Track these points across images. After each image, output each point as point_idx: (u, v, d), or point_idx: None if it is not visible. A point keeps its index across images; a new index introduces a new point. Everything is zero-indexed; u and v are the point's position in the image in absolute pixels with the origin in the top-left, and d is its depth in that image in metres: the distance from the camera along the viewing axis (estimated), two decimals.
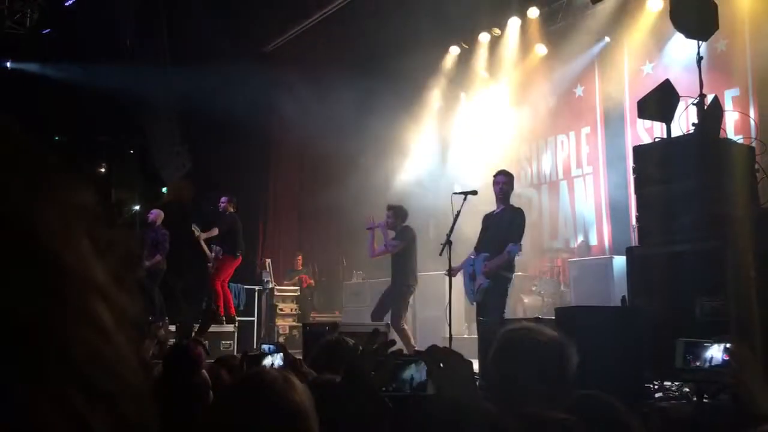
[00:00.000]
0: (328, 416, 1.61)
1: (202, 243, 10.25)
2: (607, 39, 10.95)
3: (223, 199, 9.89)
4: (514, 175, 11.80)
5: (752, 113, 8.87)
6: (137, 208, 10.57)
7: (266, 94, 12.40)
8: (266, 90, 12.33)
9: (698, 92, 5.56)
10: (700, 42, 5.61)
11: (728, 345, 2.72)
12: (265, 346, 4.21)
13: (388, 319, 8.36)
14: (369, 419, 1.78)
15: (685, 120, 6.06)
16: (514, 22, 11.93)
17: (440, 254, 6.82)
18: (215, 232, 10.01)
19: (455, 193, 7.03)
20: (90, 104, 11.98)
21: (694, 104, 5.57)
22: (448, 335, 6.82)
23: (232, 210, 9.91)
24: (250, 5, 11.92)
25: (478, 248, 7.13)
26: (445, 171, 12.81)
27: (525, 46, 11.98)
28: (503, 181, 7.10)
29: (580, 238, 11.23)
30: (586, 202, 11.31)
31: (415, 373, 2.17)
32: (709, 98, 5.58)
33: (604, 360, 4.33)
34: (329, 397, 1.72)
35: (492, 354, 2.20)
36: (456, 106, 13.26)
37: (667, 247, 5.02)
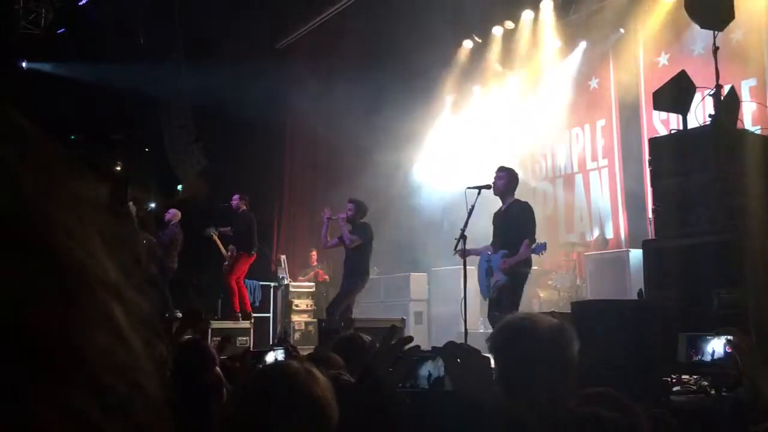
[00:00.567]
0: (346, 414, 1.61)
1: (218, 241, 10.32)
2: (621, 30, 10.85)
3: (235, 196, 9.92)
4: (529, 169, 11.88)
5: None
6: (153, 205, 10.63)
7: (279, 91, 12.41)
8: (280, 86, 12.35)
9: (714, 83, 5.50)
10: (716, 32, 5.54)
11: (729, 337, 2.69)
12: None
13: (395, 314, 8.40)
14: (387, 417, 1.78)
15: (701, 111, 6.00)
16: (527, 15, 11.87)
17: (455, 248, 6.79)
18: (228, 230, 10.08)
19: (469, 188, 6.99)
20: (105, 103, 12.06)
21: (710, 95, 5.51)
22: (463, 330, 6.79)
23: (245, 207, 9.94)
24: (263, 2, 11.93)
25: (496, 247, 7.11)
26: (458, 165, 12.77)
27: (539, 38, 11.91)
28: (497, 177, 7.07)
29: (596, 232, 11.16)
30: (602, 196, 11.23)
31: (433, 369, 2.17)
32: (726, 89, 5.51)
33: (620, 354, 4.30)
34: (345, 397, 1.72)
35: (490, 342, 2.19)
36: (470, 100, 13.20)
37: (683, 240, 4.97)
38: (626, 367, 4.22)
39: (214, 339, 9.01)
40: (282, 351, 4.77)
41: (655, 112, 9.30)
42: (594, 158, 11.45)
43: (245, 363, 4.64)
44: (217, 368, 3.20)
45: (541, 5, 11.63)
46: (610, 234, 10.99)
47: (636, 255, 8.22)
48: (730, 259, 4.65)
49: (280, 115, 13.29)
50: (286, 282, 11.85)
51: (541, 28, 11.84)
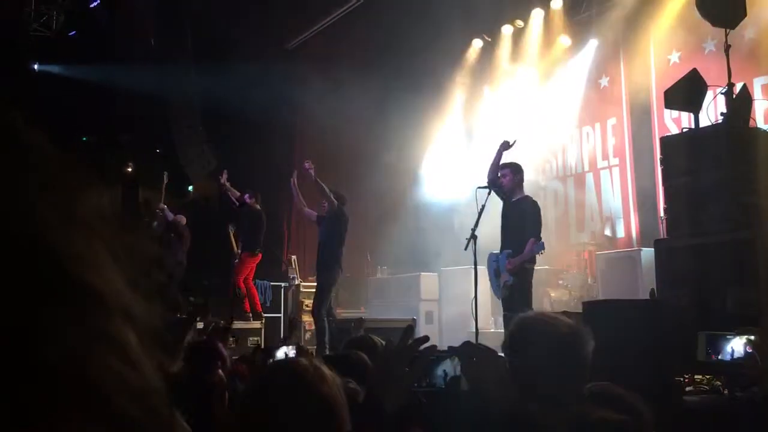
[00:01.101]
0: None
1: (233, 239, 10.37)
2: (632, 28, 10.79)
3: (246, 195, 9.93)
4: (540, 168, 11.84)
5: None
6: (165, 206, 10.65)
7: (289, 91, 12.43)
8: (289, 87, 12.36)
9: (726, 81, 5.46)
10: (728, 30, 5.50)
11: (751, 337, 2.67)
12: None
13: (406, 314, 8.38)
14: (402, 416, 1.78)
15: (713, 109, 5.96)
16: (537, 14, 11.83)
17: (465, 249, 6.78)
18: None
19: (479, 188, 6.99)
20: (115, 104, 12.12)
21: (722, 93, 5.48)
22: (474, 330, 6.79)
23: (257, 206, 9.95)
24: (272, 3, 11.96)
25: (503, 244, 7.11)
26: (469, 165, 12.76)
27: (549, 37, 11.88)
28: (502, 174, 7.06)
29: (608, 231, 11.11)
30: (613, 194, 11.17)
31: (449, 368, 2.17)
32: (738, 87, 5.48)
33: (632, 354, 4.28)
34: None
35: (505, 340, 2.18)
36: (480, 99, 13.18)
37: (696, 239, 4.94)
38: (638, 368, 4.20)
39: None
40: (293, 347, 4.78)
41: (667, 111, 9.24)
42: (605, 157, 11.40)
43: (256, 360, 4.66)
44: (220, 371, 3.20)
45: (551, 3, 11.60)
46: (621, 233, 10.94)
47: (648, 254, 8.17)
48: (743, 258, 4.62)
49: (290, 115, 13.31)
50: (296, 282, 11.87)
51: (551, 26, 11.80)
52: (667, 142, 5.59)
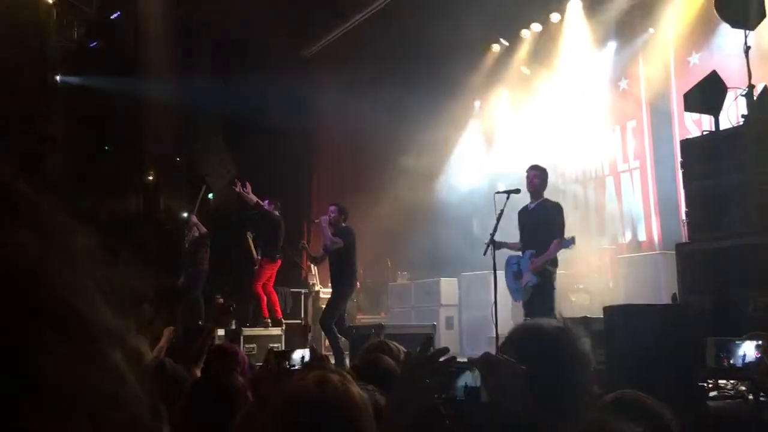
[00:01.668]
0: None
1: (252, 244, 10.44)
2: (651, 30, 10.72)
3: (267, 202, 9.98)
4: (559, 172, 11.79)
5: None
6: (185, 215, 10.76)
7: (308, 98, 12.50)
8: (308, 93, 12.44)
9: (747, 82, 5.41)
10: (747, 31, 5.45)
11: (760, 342, 2.65)
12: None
13: (426, 319, 8.36)
14: (423, 429, 1.78)
15: (734, 111, 5.90)
16: (555, 17, 11.80)
17: (484, 254, 6.77)
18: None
19: (498, 193, 6.98)
20: (137, 114, 12.26)
21: (742, 95, 5.42)
22: (494, 335, 6.76)
23: (277, 213, 10.00)
24: (291, 11, 12.04)
25: (524, 247, 7.09)
26: (488, 169, 12.74)
27: (567, 40, 11.83)
28: (533, 175, 7.08)
29: (629, 234, 11.02)
30: (634, 198, 11.09)
31: (470, 379, 2.17)
32: (759, 88, 5.42)
33: (655, 359, 4.25)
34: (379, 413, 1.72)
35: (501, 348, 2.18)
36: (498, 103, 13.15)
37: (717, 242, 4.90)
38: (660, 373, 4.16)
39: (246, 346, 9.12)
40: (308, 350, 4.78)
41: (687, 113, 9.16)
42: (625, 160, 11.32)
43: (271, 364, 4.66)
44: (239, 377, 3.21)
45: (569, 6, 11.56)
46: (642, 236, 10.85)
47: (670, 257, 8.09)
48: (764, 262, 4.57)
49: (309, 121, 13.38)
50: (316, 288, 11.91)
51: (569, 29, 11.76)
52: (687, 144, 5.54)
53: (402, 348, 3.22)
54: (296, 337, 9.95)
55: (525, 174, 7.22)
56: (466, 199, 12.36)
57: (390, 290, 12.66)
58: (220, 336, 9.61)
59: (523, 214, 7.18)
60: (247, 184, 9.77)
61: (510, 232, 7.33)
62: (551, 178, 11.51)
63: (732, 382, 4.54)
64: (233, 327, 10.12)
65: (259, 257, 10.14)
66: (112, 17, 12.20)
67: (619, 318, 4.69)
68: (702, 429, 3.98)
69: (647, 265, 9.38)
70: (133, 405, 0.44)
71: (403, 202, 12.32)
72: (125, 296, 0.49)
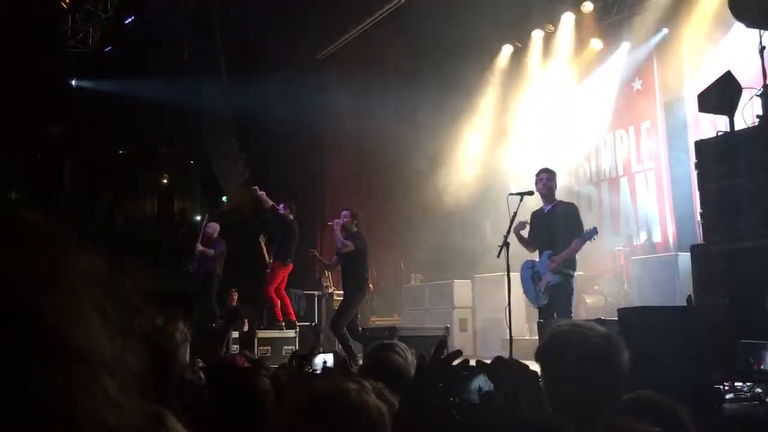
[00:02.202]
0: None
1: (264, 248, 10.49)
2: (665, 30, 10.65)
3: (281, 205, 10.01)
4: (573, 173, 11.75)
5: None
6: (199, 218, 10.83)
7: (320, 100, 12.53)
8: (320, 96, 12.47)
9: (762, 82, 5.36)
10: (762, 31, 5.41)
11: None
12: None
13: (439, 321, 8.33)
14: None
15: (749, 112, 5.85)
16: (567, 18, 11.76)
17: (498, 256, 6.75)
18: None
19: (511, 194, 6.97)
20: (151, 117, 12.34)
21: (758, 95, 5.38)
22: (508, 337, 6.74)
23: (291, 217, 10.03)
24: (303, 14, 12.07)
25: (540, 248, 7.07)
26: (501, 171, 12.70)
27: (580, 41, 11.79)
28: (546, 178, 7.05)
29: (643, 236, 10.96)
30: (649, 198, 11.02)
31: (483, 383, 2.16)
32: None
33: (670, 361, 4.22)
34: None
35: (538, 352, 2.17)
36: (510, 105, 13.12)
37: (733, 244, 4.86)
38: (676, 375, 4.14)
39: (261, 349, 9.16)
40: (330, 355, 4.80)
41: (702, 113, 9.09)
42: (639, 161, 11.26)
43: (292, 367, 4.68)
44: (266, 380, 3.22)
45: (582, 7, 11.51)
46: (657, 237, 10.78)
47: (685, 258, 8.04)
48: None
49: (321, 124, 13.41)
50: (330, 291, 11.93)
51: (582, 30, 11.72)
52: (701, 145, 5.50)
53: (406, 347, 3.21)
54: (309, 339, 9.97)
55: (535, 177, 7.17)
56: (479, 200, 12.33)
57: (403, 292, 12.65)
58: (234, 338, 9.67)
59: (538, 216, 7.14)
60: (256, 188, 9.85)
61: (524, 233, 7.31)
62: (564, 180, 11.53)
63: (748, 384, 4.51)
64: (246, 329, 10.18)
65: (272, 260, 10.18)
66: (126, 22, 12.29)
67: (634, 320, 4.65)
68: (718, 431, 3.95)
69: (662, 267, 9.31)
70: (126, 429, 0.46)
71: (415, 203, 12.32)
72: (132, 309, 0.50)
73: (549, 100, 12.34)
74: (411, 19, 11.64)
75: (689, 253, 5.71)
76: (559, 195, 7.33)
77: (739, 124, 5.46)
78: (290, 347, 9.65)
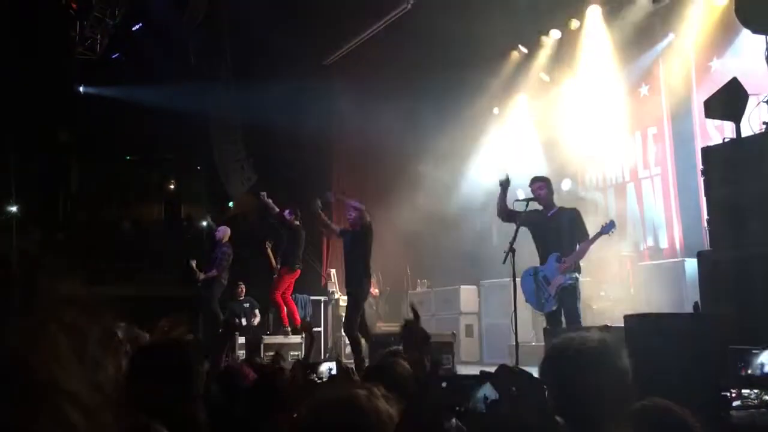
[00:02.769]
0: None
1: (271, 254, 10.51)
2: (671, 35, 10.64)
3: (287, 211, 10.03)
4: (579, 179, 11.73)
5: None
6: (205, 223, 10.86)
7: (327, 106, 12.56)
8: (327, 102, 12.50)
9: None
10: None
11: None
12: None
13: (446, 327, 8.32)
14: None
15: (757, 117, 5.83)
16: (574, 24, 11.75)
17: (503, 262, 6.74)
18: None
19: (517, 201, 6.97)
20: (158, 123, 12.39)
21: (765, 102, 5.37)
22: (514, 342, 6.73)
23: (297, 222, 10.04)
24: (310, 20, 12.11)
25: (544, 254, 7.04)
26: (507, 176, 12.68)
27: (586, 46, 11.77)
28: (537, 187, 7.02)
29: (650, 241, 10.93)
30: (655, 204, 10.99)
31: (489, 392, 2.16)
32: None
33: (676, 369, 4.20)
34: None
35: (541, 366, 2.17)
36: (517, 110, 13.12)
37: (740, 251, 4.84)
38: (682, 382, 4.12)
39: (267, 354, 9.16)
40: (335, 363, 4.80)
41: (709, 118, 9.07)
42: (646, 166, 11.23)
43: (297, 375, 4.68)
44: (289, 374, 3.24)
45: (588, 13, 11.50)
46: (664, 243, 10.75)
47: (692, 264, 8.01)
48: None
49: (327, 129, 13.44)
50: (336, 296, 11.93)
51: (588, 35, 11.71)
52: (708, 152, 5.49)
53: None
54: (304, 340, 9.98)
55: (530, 188, 7.14)
56: (486, 206, 12.32)
57: (410, 298, 12.65)
58: (241, 344, 9.69)
59: (541, 219, 7.07)
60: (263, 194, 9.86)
61: (530, 240, 7.29)
62: (570, 186, 11.50)
63: (756, 391, 4.49)
64: (258, 321, 10.21)
65: (279, 266, 10.19)
66: (134, 29, 12.36)
67: (640, 326, 4.64)
68: None
69: (669, 273, 9.28)
70: None
71: (421, 209, 12.31)
72: (108, 333, 0.53)
73: (555, 106, 12.33)
74: (418, 23, 11.65)
75: (696, 259, 5.70)
76: (565, 201, 7.32)
77: (746, 131, 5.45)
78: (296, 353, 9.66)
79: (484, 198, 12.49)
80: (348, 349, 11.10)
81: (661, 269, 9.54)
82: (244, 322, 10.65)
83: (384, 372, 2.76)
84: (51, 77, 11.70)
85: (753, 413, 4.30)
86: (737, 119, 5.35)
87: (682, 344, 4.35)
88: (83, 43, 11.97)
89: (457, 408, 2.04)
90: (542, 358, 2.17)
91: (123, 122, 12.43)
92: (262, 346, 9.37)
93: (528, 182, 7.27)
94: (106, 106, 12.46)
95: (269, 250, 10.61)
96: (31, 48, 10.77)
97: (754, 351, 2.74)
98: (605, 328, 5.09)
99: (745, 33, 8.28)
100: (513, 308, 6.65)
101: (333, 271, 12.60)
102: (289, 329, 9.88)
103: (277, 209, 9.79)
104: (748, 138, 5.31)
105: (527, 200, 6.87)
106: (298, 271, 10.02)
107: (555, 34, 12.06)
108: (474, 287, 11.64)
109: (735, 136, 5.38)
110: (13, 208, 12.65)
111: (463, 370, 8.07)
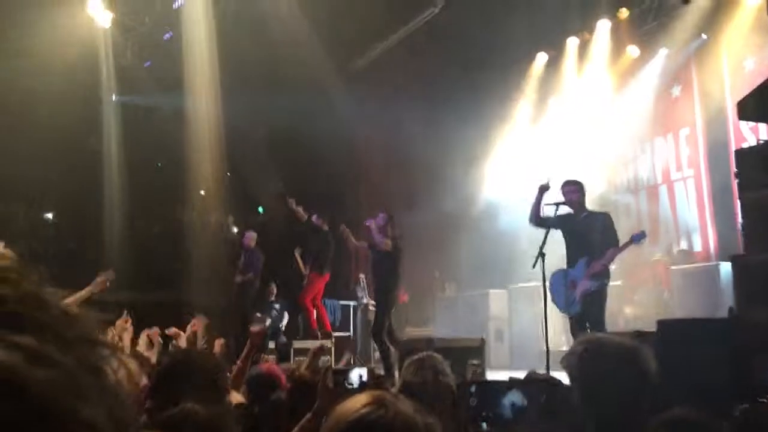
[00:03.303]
0: None
1: (300, 260, 10.55)
2: (703, 36, 10.48)
3: (315, 216, 10.06)
4: (610, 181, 11.59)
5: None
6: (236, 229, 10.96)
7: (353, 111, 12.58)
8: (353, 107, 12.52)
9: None
10: None
11: None
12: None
13: (475, 332, 8.26)
14: None
15: None
16: (603, 25, 11.63)
17: (533, 267, 6.66)
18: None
19: (546, 204, 6.90)
20: (188, 130, 12.53)
21: None
22: (545, 348, 6.65)
23: (326, 228, 10.07)
24: (334, 28, 12.15)
25: (572, 257, 6.95)
26: (536, 180, 12.59)
27: (616, 48, 11.65)
28: (569, 191, 6.91)
29: (684, 244, 10.75)
30: (689, 207, 10.82)
31: (516, 399, 2.15)
32: None
33: (712, 375, 4.13)
34: None
35: (564, 359, 2.13)
36: (546, 113, 13.02)
37: None
38: (718, 389, 4.04)
39: (297, 359, 9.19)
40: (365, 370, 4.79)
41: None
42: (678, 168, 11.07)
43: (326, 381, 4.67)
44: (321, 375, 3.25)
45: (618, 14, 11.38)
46: (698, 246, 10.58)
47: (727, 268, 7.87)
48: None
49: (354, 135, 13.47)
50: (365, 301, 11.94)
51: (618, 37, 11.58)
52: (741, 154, 5.39)
53: (445, 364, 3.19)
54: (345, 351, 9.98)
55: (561, 191, 7.04)
56: (514, 210, 12.24)
57: (438, 302, 12.61)
58: (272, 348, 9.73)
59: (571, 222, 6.97)
60: (292, 200, 9.92)
61: (561, 244, 7.21)
62: (602, 189, 11.36)
63: None
64: (284, 341, 10.25)
65: (308, 271, 10.23)
66: (165, 37, 12.52)
67: (674, 332, 4.57)
68: None
69: (703, 277, 9.13)
70: None
71: (450, 212, 12.28)
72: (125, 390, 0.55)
73: (585, 107, 12.21)
74: (445, 28, 11.64)
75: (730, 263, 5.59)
76: (596, 203, 7.22)
77: None
78: (326, 358, 9.67)
79: (513, 201, 12.43)
80: (377, 354, 11.10)
81: (695, 273, 9.39)
82: (268, 322, 10.72)
83: (421, 386, 2.75)
84: (84, 85, 11.92)
85: None
86: None
87: (717, 350, 4.27)
88: (114, 52, 12.18)
89: (484, 413, 2.03)
90: (566, 359, 2.14)
91: (155, 130, 12.60)
92: (292, 351, 9.39)
93: (556, 184, 7.18)
94: (138, 114, 12.66)
95: (298, 257, 10.66)
96: (63, 56, 10.97)
97: None
98: (638, 334, 5.01)
99: None
100: (543, 313, 6.58)
101: (362, 276, 12.60)
102: (319, 334, 9.90)
103: (306, 216, 9.83)
104: None
105: (557, 204, 6.79)
106: (328, 275, 10.04)
107: (584, 35, 11.95)
108: (504, 291, 11.56)
109: None
110: (49, 215, 12.90)
111: (493, 375, 8.00)
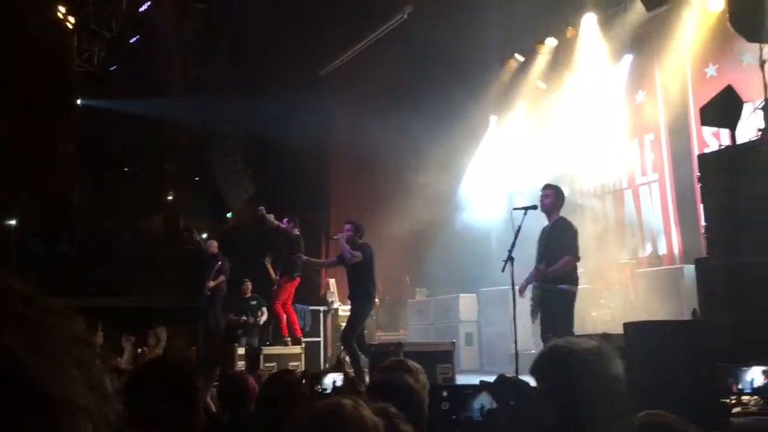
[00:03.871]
0: None
1: (270, 267, 10.50)
2: (668, 43, 10.67)
3: (285, 220, 10.03)
4: (577, 186, 11.74)
5: None
6: (205, 235, 10.87)
7: (323, 117, 12.58)
8: (323, 112, 12.52)
9: (764, 95, 5.38)
10: (763, 44, 5.43)
11: (765, 368, 2.63)
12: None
13: (445, 336, 8.29)
14: None
15: (751, 125, 5.86)
16: (570, 31, 11.79)
17: (502, 270, 6.72)
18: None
19: (515, 209, 6.95)
20: (157, 135, 12.42)
21: (760, 108, 5.39)
22: (514, 351, 6.71)
23: (296, 231, 10.04)
24: (306, 31, 12.15)
25: (536, 260, 7.01)
26: (505, 185, 12.72)
27: (582, 54, 11.82)
28: (543, 195, 6.97)
29: (649, 248, 10.94)
30: (653, 211, 11.01)
31: (486, 401, 2.17)
32: None
33: (676, 376, 4.21)
34: None
35: (533, 365, 2.16)
36: (514, 118, 13.15)
37: (737, 258, 4.85)
38: (682, 390, 4.13)
39: (266, 365, 9.14)
40: (341, 375, 4.80)
41: None
42: (643, 173, 11.26)
43: (302, 385, 4.67)
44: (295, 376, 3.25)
45: (584, 20, 11.55)
46: (663, 250, 10.76)
47: (691, 271, 7.99)
48: None
49: (324, 140, 13.46)
50: (335, 306, 11.92)
51: (584, 43, 11.75)
52: (704, 159, 5.51)
53: (419, 369, 3.21)
54: (315, 355, 9.96)
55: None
56: (484, 214, 12.35)
57: (409, 307, 12.64)
58: (240, 354, 9.66)
59: (542, 234, 7.05)
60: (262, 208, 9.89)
61: (529, 248, 7.28)
62: (568, 193, 11.48)
63: (755, 398, 4.49)
64: (255, 345, 10.19)
65: (278, 276, 10.19)
66: (131, 41, 12.39)
67: (640, 334, 4.65)
68: None
69: (668, 280, 9.29)
70: None
71: (420, 218, 12.33)
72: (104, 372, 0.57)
73: (552, 113, 12.36)
74: (414, 34, 11.69)
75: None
76: (563, 211, 7.24)
77: (742, 138, 5.47)
78: (296, 363, 9.64)
79: (482, 206, 12.53)
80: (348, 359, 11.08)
81: (659, 276, 9.55)
82: (251, 319, 10.66)
83: (387, 387, 2.76)
84: (50, 90, 11.74)
85: (752, 420, 4.31)
86: (733, 126, 5.37)
87: (681, 352, 4.35)
88: (81, 56, 12.02)
89: (454, 417, 2.05)
90: (533, 363, 2.17)
91: (121, 134, 12.46)
92: (261, 357, 9.34)
93: (523, 189, 7.24)
94: (104, 119, 12.50)
95: (269, 265, 10.60)
96: (29, 61, 10.81)
97: (743, 368, 2.75)
98: (605, 337, 5.09)
99: (741, 39, 8.32)
100: (512, 317, 6.64)
101: (332, 280, 12.58)
102: (289, 339, 9.87)
103: (276, 223, 9.79)
104: (743, 145, 5.33)
105: (525, 208, 6.85)
106: (298, 279, 10.01)
107: (551, 41, 12.11)
108: (473, 296, 11.63)
109: (731, 143, 5.40)
110: (13, 222, 12.67)
111: (462, 379, 8.05)
